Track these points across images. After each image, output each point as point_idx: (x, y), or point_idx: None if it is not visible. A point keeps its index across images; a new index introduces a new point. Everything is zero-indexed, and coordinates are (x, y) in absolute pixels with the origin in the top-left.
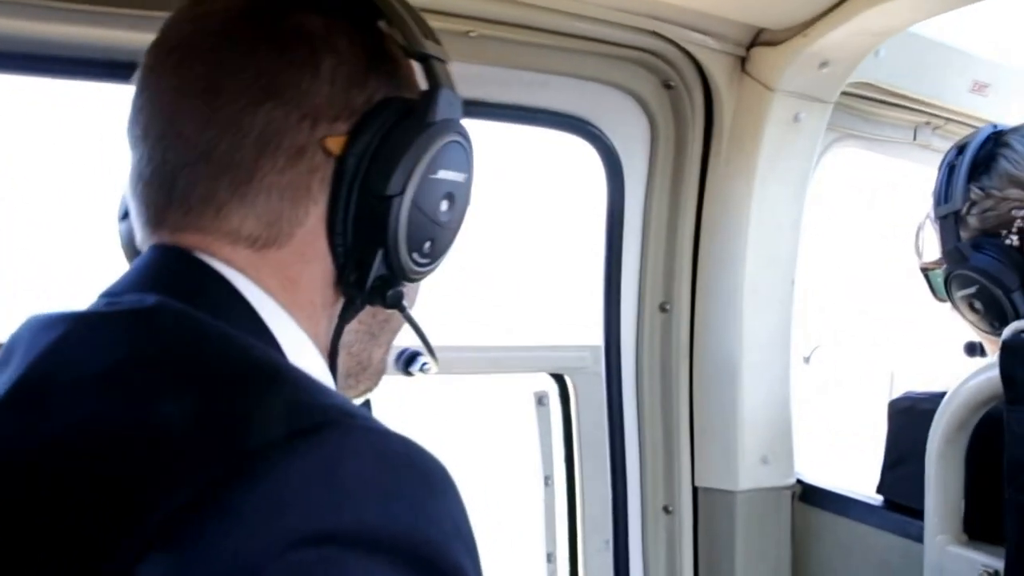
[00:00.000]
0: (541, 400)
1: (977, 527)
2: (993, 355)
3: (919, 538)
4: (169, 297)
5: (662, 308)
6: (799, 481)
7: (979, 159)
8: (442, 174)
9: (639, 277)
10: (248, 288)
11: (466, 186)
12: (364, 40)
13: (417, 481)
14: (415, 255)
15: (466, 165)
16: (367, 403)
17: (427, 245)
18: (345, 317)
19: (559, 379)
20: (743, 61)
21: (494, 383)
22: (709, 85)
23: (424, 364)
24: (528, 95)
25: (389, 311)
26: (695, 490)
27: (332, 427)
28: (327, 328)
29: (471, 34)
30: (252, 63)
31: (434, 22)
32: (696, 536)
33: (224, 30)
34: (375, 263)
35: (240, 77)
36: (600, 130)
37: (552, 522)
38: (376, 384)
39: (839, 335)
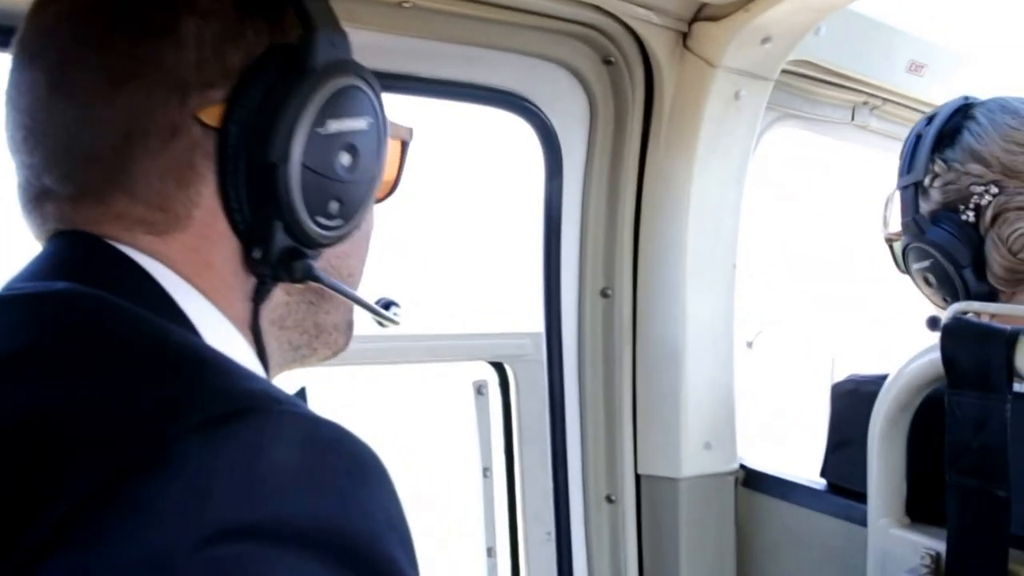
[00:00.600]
0: (480, 389)
1: (919, 509)
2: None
3: (862, 521)
4: (78, 283)
5: (603, 294)
6: (742, 466)
7: (945, 130)
8: (334, 126)
9: (579, 262)
10: (161, 272)
11: (372, 132)
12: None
13: (347, 469)
14: (320, 219)
15: (368, 108)
16: (302, 391)
17: (333, 206)
18: (258, 298)
19: (499, 367)
20: (685, 37)
21: (432, 373)
22: (650, 61)
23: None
24: (464, 70)
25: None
26: (638, 478)
27: (254, 413)
28: (249, 309)
29: (405, 4)
30: (105, 46)
31: None
32: (640, 525)
33: (74, 16)
34: (276, 237)
35: (92, 64)
36: (538, 107)
37: (492, 515)
38: (344, 341)
39: (781, 319)
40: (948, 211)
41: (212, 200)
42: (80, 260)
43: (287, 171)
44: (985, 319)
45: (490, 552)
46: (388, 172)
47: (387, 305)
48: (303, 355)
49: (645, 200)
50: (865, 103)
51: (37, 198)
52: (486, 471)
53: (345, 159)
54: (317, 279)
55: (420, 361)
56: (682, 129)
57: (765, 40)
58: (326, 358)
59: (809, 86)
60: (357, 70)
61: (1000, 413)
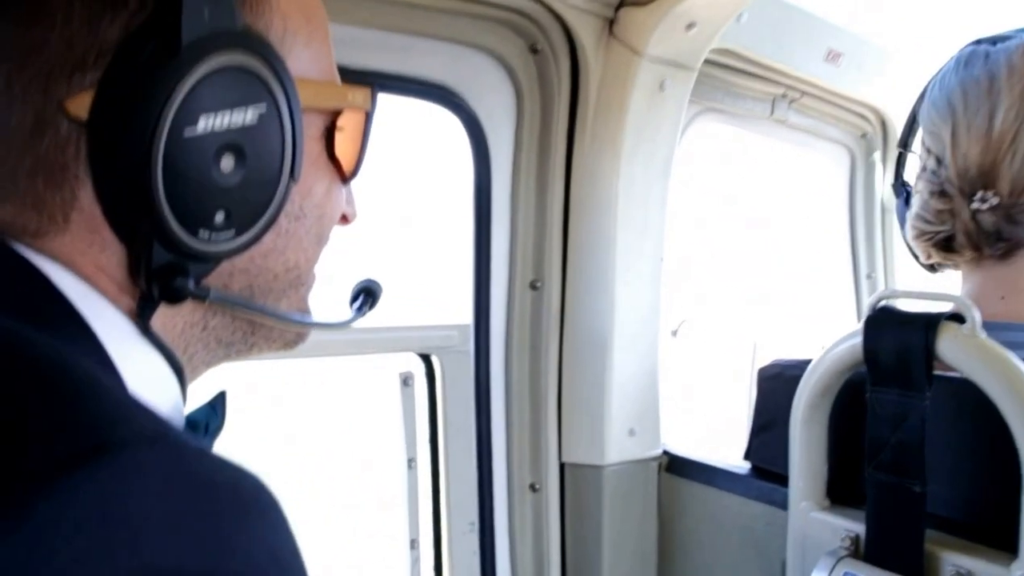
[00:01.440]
0: (406, 381)
1: (840, 491)
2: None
3: (783, 505)
4: None
5: (532, 286)
6: (665, 452)
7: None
8: (203, 124)
9: (509, 255)
10: (59, 275)
11: (268, 123)
12: None
13: (222, 508)
14: (203, 232)
15: (258, 93)
16: (221, 394)
17: (219, 217)
18: (143, 315)
19: (426, 359)
20: (611, 24)
21: (358, 365)
22: (576, 50)
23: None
24: (386, 60)
25: (253, 268)
26: (562, 466)
27: (112, 450)
28: (131, 296)
29: None
30: None
31: None
32: (563, 512)
33: None
34: (153, 250)
35: None
36: (464, 99)
37: (415, 506)
38: (298, 330)
39: (705, 308)
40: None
41: (91, 204)
42: None
43: (150, 178)
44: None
45: (413, 544)
46: (347, 150)
47: (359, 293)
48: (239, 350)
49: (573, 193)
50: (784, 95)
51: None
52: (410, 462)
53: (226, 163)
54: (202, 297)
55: (347, 354)
56: (608, 121)
57: (690, 26)
58: (279, 349)
59: (730, 77)
60: (244, 42)
61: (918, 411)
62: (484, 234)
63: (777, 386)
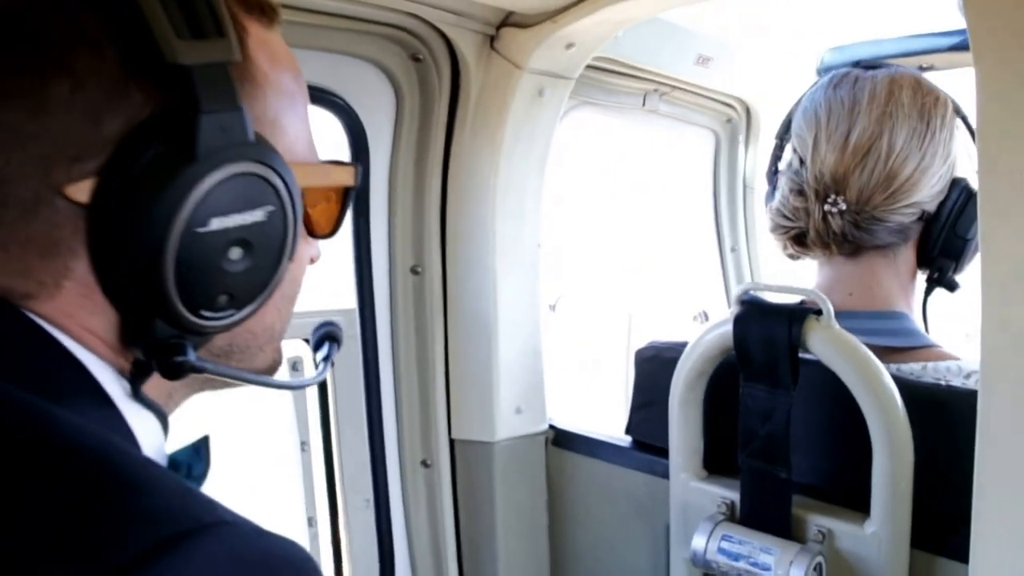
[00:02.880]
0: (295, 366)
1: (715, 463)
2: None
3: (665, 475)
4: None
5: (414, 271)
6: (551, 427)
7: None
8: (216, 224)
9: (388, 242)
10: (56, 333)
11: (273, 222)
12: (118, 36)
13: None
14: (204, 312)
15: (266, 196)
16: (205, 439)
17: (222, 299)
18: (136, 380)
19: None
20: (492, 39)
21: None
22: (457, 59)
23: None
24: None
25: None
26: (452, 443)
27: (183, 539)
28: (125, 358)
29: None
30: None
31: None
32: (455, 487)
33: None
34: (156, 327)
35: None
36: (345, 101)
37: (311, 486)
38: (272, 359)
39: (583, 282)
40: None
41: (86, 274)
42: None
43: (161, 268)
44: None
45: (311, 522)
46: (324, 221)
47: (321, 340)
48: (213, 387)
49: (451, 185)
50: (656, 90)
51: None
52: (303, 445)
53: (235, 253)
54: (202, 371)
55: None
56: (488, 122)
57: (569, 46)
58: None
59: (605, 77)
60: (256, 154)
61: (784, 406)
62: (363, 223)
63: (654, 367)
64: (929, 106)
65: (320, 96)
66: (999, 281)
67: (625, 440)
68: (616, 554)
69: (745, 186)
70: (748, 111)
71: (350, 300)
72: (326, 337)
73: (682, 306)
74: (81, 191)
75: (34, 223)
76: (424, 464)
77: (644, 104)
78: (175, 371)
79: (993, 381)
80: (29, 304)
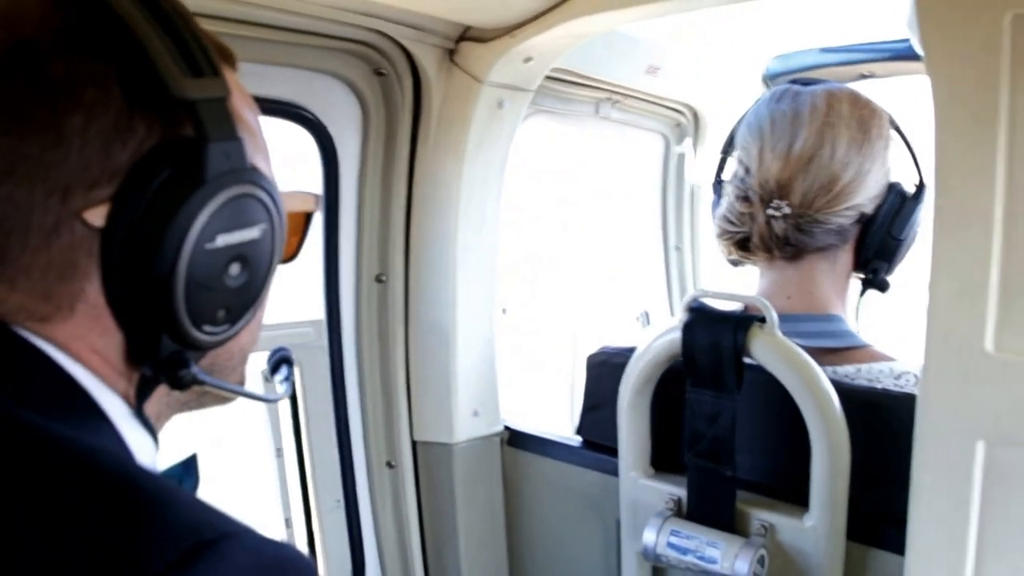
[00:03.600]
0: (267, 377)
1: (662, 461)
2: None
3: (614, 473)
4: None
5: (378, 279)
6: (506, 428)
7: None
8: (222, 240)
9: (356, 252)
10: (60, 356)
11: (265, 238)
12: (122, 74)
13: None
14: (206, 327)
15: (261, 215)
16: (193, 456)
17: (220, 313)
18: (141, 397)
19: None
20: (452, 53)
21: None
22: (419, 72)
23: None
24: (246, 85)
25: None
26: (414, 444)
27: (210, 546)
28: (134, 393)
29: None
30: None
31: None
32: (419, 486)
33: None
34: (161, 343)
35: None
36: (315, 115)
37: (286, 489)
38: (252, 390)
39: (533, 284)
40: None
41: (97, 296)
42: None
43: (172, 284)
44: None
45: (288, 523)
46: (289, 244)
47: (277, 364)
48: (191, 407)
49: (415, 195)
50: (608, 99)
51: None
52: (279, 451)
53: (234, 269)
54: (202, 383)
55: None
56: (450, 133)
57: (527, 60)
58: (216, 406)
59: (561, 87)
60: (253, 177)
61: (730, 410)
62: (333, 233)
63: (604, 372)
64: (867, 117)
65: (291, 111)
66: (945, 295)
67: (576, 440)
68: (570, 547)
69: (691, 188)
70: (696, 116)
71: (319, 311)
72: (281, 362)
73: (624, 307)
74: (97, 216)
75: (55, 248)
76: (389, 465)
77: (597, 112)
78: (182, 383)
79: (933, 387)
80: (44, 327)
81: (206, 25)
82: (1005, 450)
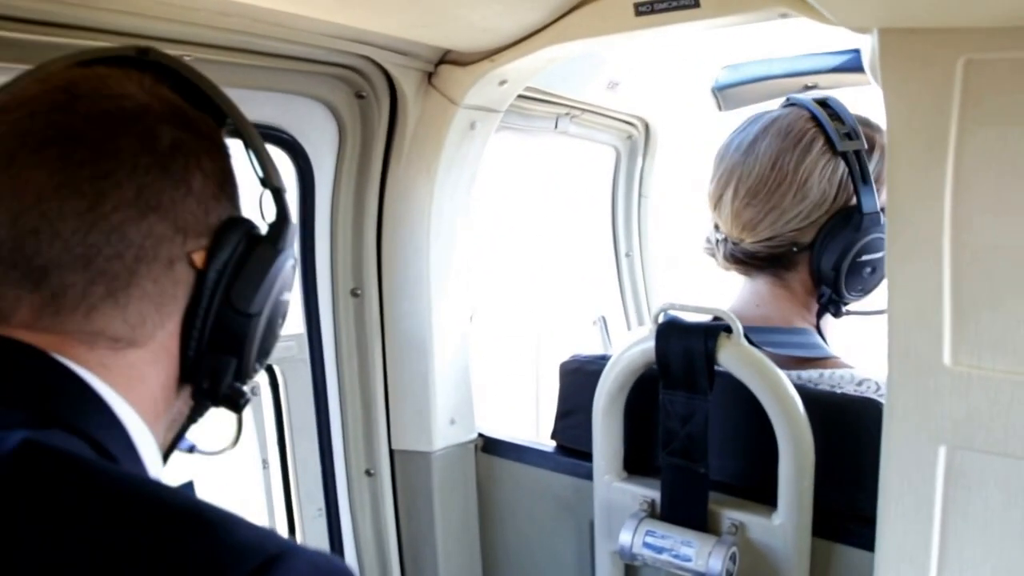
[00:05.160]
0: (254, 391)
1: (635, 465)
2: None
3: (589, 476)
4: (29, 412)
5: (353, 293)
6: (480, 435)
7: None
8: (285, 296)
9: (331, 267)
10: (102, 389)
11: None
12: (221, 159)
13: None
14: (258, 363)
15: (292, 280)
16: (190, 483)
17: (268, 353)
18: (194, 419)
19: (269, 370)
20: (430, 75)
21: None
22: (396, 94)
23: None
24: None
25: None
26: (392, 453)
27: (276, 560)
28: (163, 422)
29: (185, 58)
30: (135, 173)
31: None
32: (396, 494)
33: (106, 135)
34: (228, 372)
35: (125, 186)
36: (293, 137)
37: (271, 499)
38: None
39: (497, 292)
40: None
41: (175, 326)
42: (28, 379)
43: (258, 323)
44: None
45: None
46: None
47: None
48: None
49: (386, 212)
50: (567, 113)
51: (11, 295)
52: (264, 463)
53: (281, 320)
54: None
55: None
56: (424, 153)
57: (502, 83)
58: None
59: (523, 104)
60: (293, 248)
61: (703, 410)
62: (308, 249)
63: (577, 379)
64: (784, 155)
65: (270, 134)
66: (903, 315)
67: (549, 445)
68: (544, 549)
69: (640, 195)
70: (648, 128)
71: (300, 326)
72: None
73: (581, 312)
74: (199, 259)
75: (166, 279)
76: (368, 473)
77: (556, 127)
78: (239, 407)
79: (897, 398)
80: (127, 350)
81: (197, 53)
82: (964, 453)
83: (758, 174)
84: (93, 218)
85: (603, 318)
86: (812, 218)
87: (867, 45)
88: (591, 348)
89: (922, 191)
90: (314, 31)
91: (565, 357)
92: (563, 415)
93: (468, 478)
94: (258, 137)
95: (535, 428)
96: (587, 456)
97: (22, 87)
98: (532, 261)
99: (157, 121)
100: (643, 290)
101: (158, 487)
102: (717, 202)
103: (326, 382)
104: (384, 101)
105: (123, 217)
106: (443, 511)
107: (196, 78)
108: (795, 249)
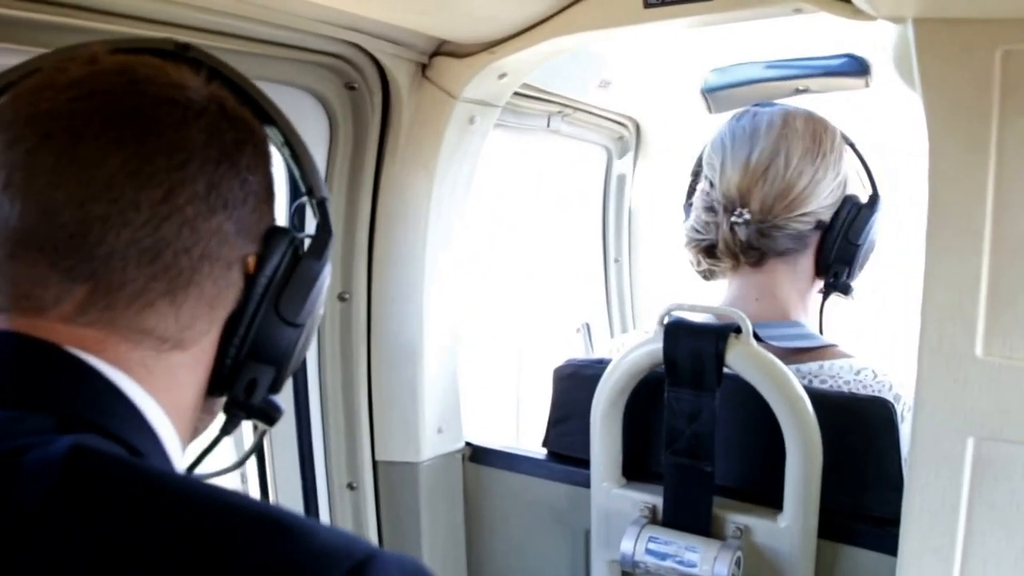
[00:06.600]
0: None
1: (634, 471)
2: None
3: (584, 484)
4: (59, 416)
5: (340, 298)
6: (468, 444)
7: None
8: (322, 308)
9: None
10: (135, 392)
11: None
12: (269, 165)
13: None
14: (289, 372)
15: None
16: None
17: (299, 366)
18: (226, 431)
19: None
20: (424, 68)
21: None
22: (389, 86)
23: None
24: None
25: None
26: (376, 465)
27: (365, 563)
28: (190, 428)
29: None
30: (205, 167)
31: (138, 28)
32: (379, 507)
33: (177, 124)
34: (265, 383)
35: (198, 180)
36: None
37: None
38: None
39: (481, 301)
40: None
41: (218, 332)
42: (58, 380)
43: (302, 332)
44: None
45: None
46: None
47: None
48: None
49: (380, 211)
50: (560, 112)
51: (59, 286)
52: (243, 477)
53: (318, 324)
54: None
55: None
56: (421, 150)
57: (502, 76)
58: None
59: (518, 101)
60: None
61: (710, 407)
62: None
63: (573, 384)
64: (820, 131)
65: None
66: (938, 305)
67: (541, 453)
68: (536, 560)
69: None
70: (639, 128)
71: None
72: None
73: (565, 319)
74: (251, 265)
75: (223, 281)
76: (350, 487)
77: (548, 125)
78: (273, 419)
79: (927, 389)
80: (171, 352)
81: (183, 36)
82: (992, 443)
83: (803, 146)
84: (167, 210)
85: (587, 325)
86: (836, 195)
87: (892, 39)
88: (575, 355)
89: (964, 185)
90: (301, 15)
91: (558, 362)
92: (556, 421)
93: (455, 489)
94: (304, 145)
95: (515, 437)
96: (582, 463)
97: (60, 68)
98: (517, 266)
99: (219, 117)
100: (630, 297)
101: (227, 493)
102: (753, 180)
103: (308, 392)
104: (376, 93)
105: (195, 212)
106: (430, 524)
107: (240, 80)
108: (815, 227)
